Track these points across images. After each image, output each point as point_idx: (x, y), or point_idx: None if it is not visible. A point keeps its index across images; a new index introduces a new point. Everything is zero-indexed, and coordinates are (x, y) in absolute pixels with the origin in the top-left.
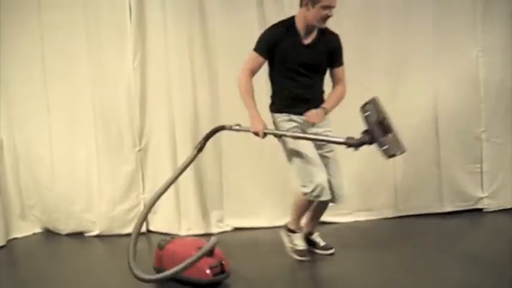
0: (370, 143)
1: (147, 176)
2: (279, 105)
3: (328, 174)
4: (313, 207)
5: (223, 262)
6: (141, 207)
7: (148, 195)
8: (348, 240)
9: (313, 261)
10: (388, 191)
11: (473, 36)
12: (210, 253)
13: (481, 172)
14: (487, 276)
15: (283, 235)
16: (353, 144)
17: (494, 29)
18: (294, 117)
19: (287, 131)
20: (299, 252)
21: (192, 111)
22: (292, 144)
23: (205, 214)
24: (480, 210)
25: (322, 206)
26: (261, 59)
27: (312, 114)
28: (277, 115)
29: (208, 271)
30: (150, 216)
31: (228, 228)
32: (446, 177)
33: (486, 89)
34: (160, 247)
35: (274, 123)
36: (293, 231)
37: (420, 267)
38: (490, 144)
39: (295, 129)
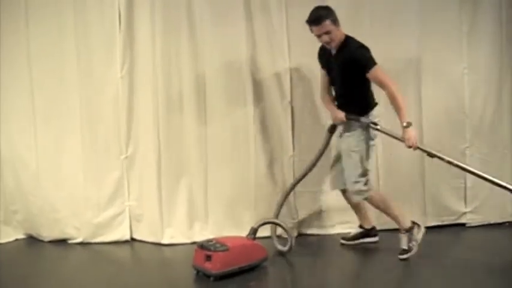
0: None
1: (133, 184)
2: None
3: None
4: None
5: None
6: (126, 215)
7: (133, 203)
8: (330, 252)
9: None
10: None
11: (459, 53)
12: None
13: (465, 187)
14: None
15: (402, 238)
16: None
17: (479, 46)
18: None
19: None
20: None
21: (178, 120)
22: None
23: (189, 223)
24: (463, 224)
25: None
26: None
27: (409, 138)
28: None
29: None
30: (134, 224)
31: (212, 237)
32: (430, 191)
33: (471, 106)
34: (225, 249)
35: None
36: (410, 228)
37: (402, 280)
38: (474, 159)
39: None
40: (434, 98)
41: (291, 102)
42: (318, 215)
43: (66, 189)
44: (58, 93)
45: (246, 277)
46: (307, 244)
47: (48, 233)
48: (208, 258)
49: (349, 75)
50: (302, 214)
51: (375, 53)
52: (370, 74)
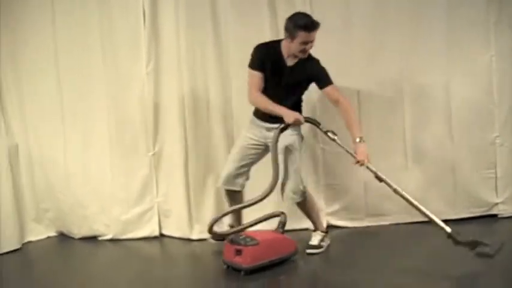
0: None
1: (161, 180)
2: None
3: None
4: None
5: None
6: (155, 211)
7: (161, 199)
8: (359, 245)
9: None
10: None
11: (487, 41)
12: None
13: (496, 177)
14: (505, 281)
15: (315, 236)
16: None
17: (507, 34)
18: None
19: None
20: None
21: (204, 116)
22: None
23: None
24: (495, 216)
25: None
26: (258, 73)
27: (362, 154)
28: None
29: None
30: (162, 220)
31: None
32: (460, 183)
33: (500, 94)
34: (255, 243)
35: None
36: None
37: (433, 273)
38: (504, 149)
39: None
40: (462, 87)
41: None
42: (347, 207)
43: (95, 186)
44: (85, 91)
45: (276, 271)
46: (337, 237)
47: (78, 230)
48: (239, 252)
49: (299, 89)
50: (331, 206)
51: (402, 42)
52: (329, 90)
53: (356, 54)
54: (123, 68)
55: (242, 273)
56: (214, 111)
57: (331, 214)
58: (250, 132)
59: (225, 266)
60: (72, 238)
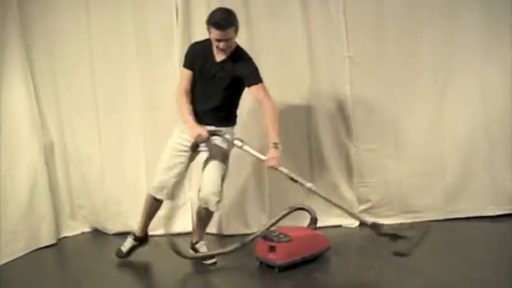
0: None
1: (193, 175)
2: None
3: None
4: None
5: None
6: (188, 206)
7: (194, 194)
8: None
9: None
10: (436, 193)
11: None
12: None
13: None
14: None
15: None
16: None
17: None
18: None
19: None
20: None
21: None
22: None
23: (249, 213)
24: None
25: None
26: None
27: (272, 158)
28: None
29: None
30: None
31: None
32: (496, 179)
33: None
34: (288, 240)
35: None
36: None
37: (467, 271)
38: None
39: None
40: (498, 83)
41: (351, 89)
42: (380, 204)
43: (129, 182)
44: (119, 88)
45: (310, 267)
46: (370, 234)
47: (112, 226)
48: (272, 249)
49: (232, 86)
50: (364, 204)
51: (435, 38)
52: (256, 88)
53: (389, 51)
54: (156, 64)
55: (276, 269)
56: (246, 104)
57: (364, 211)
58: None
59: (258, 263)
60: (106, 234)
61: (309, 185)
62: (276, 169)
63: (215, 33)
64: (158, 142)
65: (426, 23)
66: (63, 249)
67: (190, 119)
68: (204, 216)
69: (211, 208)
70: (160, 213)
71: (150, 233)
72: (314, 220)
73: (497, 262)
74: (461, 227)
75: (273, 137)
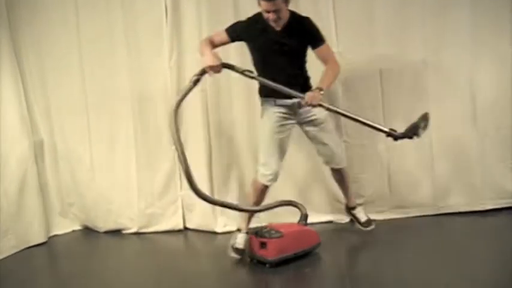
0: (410, 137)
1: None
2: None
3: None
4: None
5: None
6: (179, 204)
7: (185, 192)
8: (383, 237)
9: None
10: (427, 189)
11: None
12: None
13: None
14: None
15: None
16: (395, 136)
17: None
18: (279, 101)
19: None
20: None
21: (227, 109)
22: None
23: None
24: None
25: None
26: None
27: (309, 95)
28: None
29: None
30: (186, 213)
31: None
32: (487, 174)
33: None
34: (279, 236)
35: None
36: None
37: (458, 266)
38: None
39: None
40: (487, 78)
41: (340, 85)
42: (371, 200)
43: (119, 180)
44: (109, 86)
45: (301, 263)
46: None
47: (103, 224)
48: (263, 245)
49: (299, 52)
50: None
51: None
52: (321, 50)
53: (380, 45)
54: (146, 62)
55: (267, 265)
56: (237, 103)
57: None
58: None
59: (249, 259)
60: (97, 232)
61: (348, 113)
62: (314, 106)
63: (264, 4)
64: (148, 140)
65: (416, 19)
66: (53, 248)
67: (208, 49)
68: (341, 178)
69: (343, 164)
70: (150, 210)
71: (141, 230)
72: (304, 216)
73: (490, 257)
74: (453, 222)
75: (322, 84)
